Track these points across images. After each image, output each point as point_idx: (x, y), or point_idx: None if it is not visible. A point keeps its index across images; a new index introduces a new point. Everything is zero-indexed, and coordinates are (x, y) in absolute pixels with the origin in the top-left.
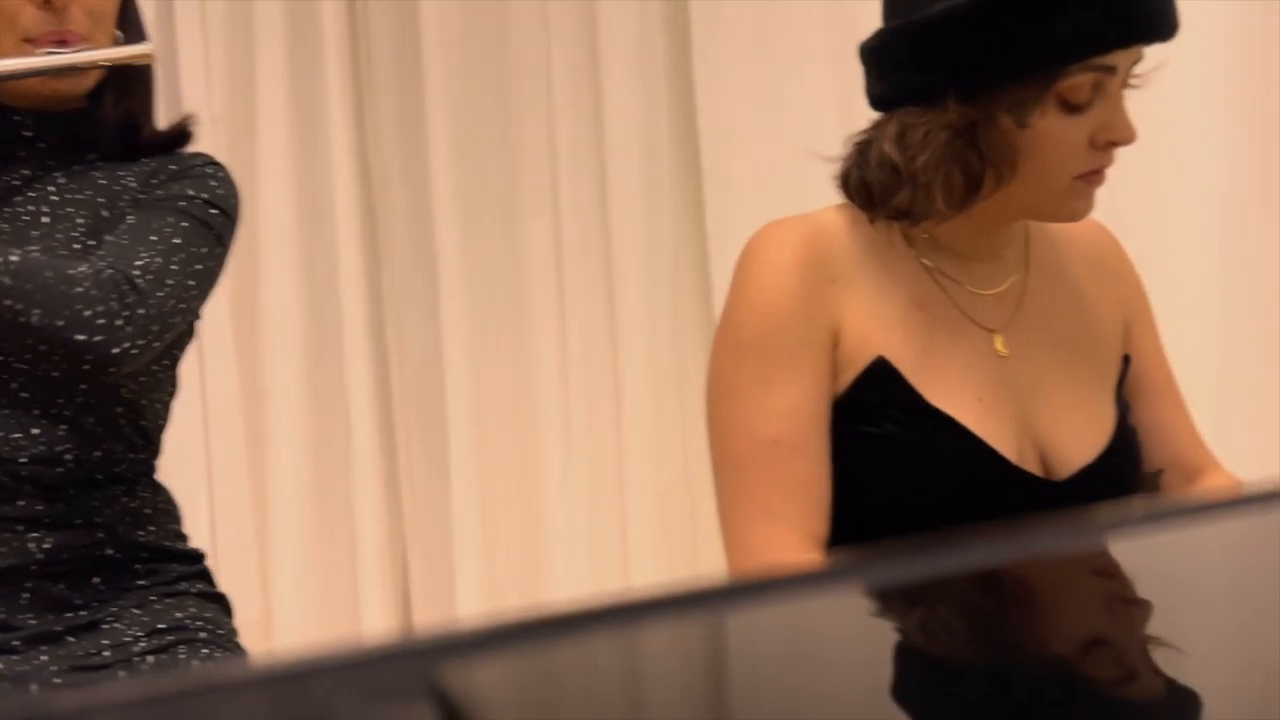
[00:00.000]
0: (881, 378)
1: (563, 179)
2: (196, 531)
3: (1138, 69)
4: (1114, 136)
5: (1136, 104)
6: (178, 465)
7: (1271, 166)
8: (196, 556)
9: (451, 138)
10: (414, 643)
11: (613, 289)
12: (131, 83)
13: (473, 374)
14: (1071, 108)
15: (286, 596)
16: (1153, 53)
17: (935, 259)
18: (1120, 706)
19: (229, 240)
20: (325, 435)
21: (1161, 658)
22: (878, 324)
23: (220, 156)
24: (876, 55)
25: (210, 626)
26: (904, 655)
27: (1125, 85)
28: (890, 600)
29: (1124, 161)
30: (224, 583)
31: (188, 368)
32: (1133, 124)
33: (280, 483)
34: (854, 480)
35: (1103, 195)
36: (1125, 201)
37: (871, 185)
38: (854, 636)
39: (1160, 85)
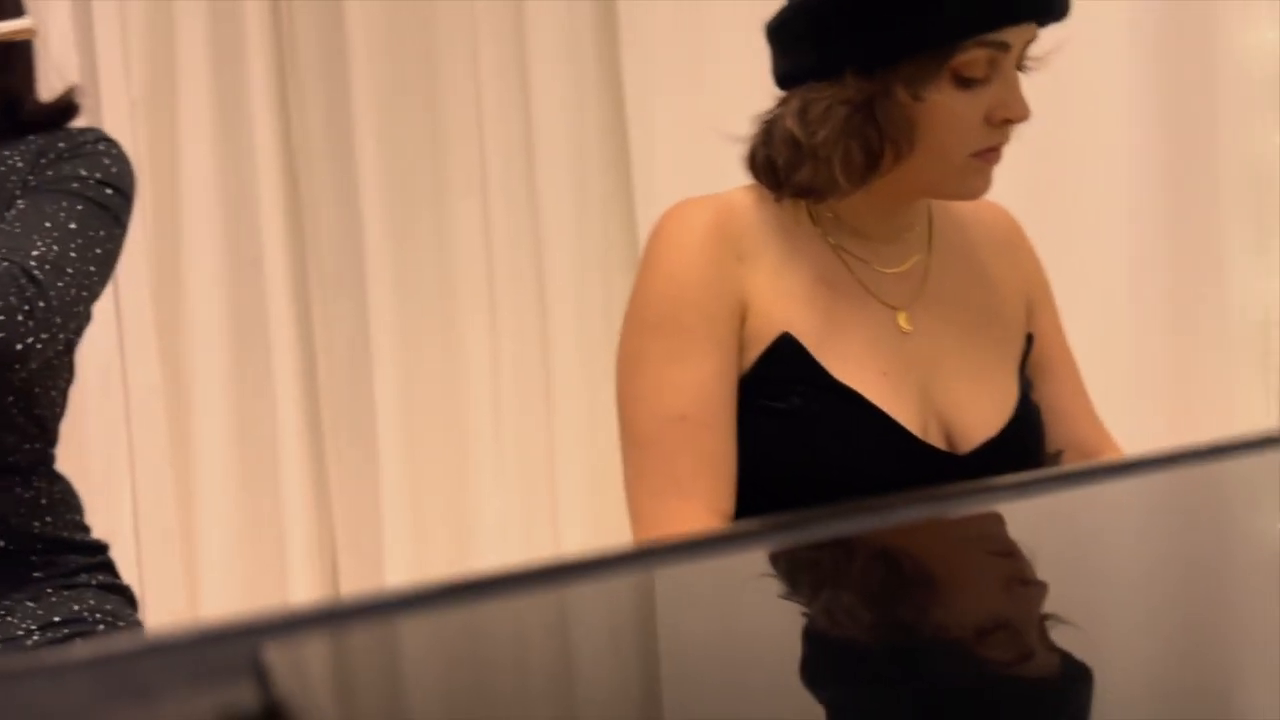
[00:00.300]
0: (787, 353)
1: (491, 164)
2: (119, 525)
3: (1035, 51)
4: (1009, 114)
5: (1047, 94)
6: (99, 457)
7: (1176, 153)
8: (98, 548)
9: (378, 121)
10: (235, 624)
11: (542, 274)
12: (10, 58)
13: (401, 361)
14: (966, 83)
15: (213, 589)
16: (1050, 36)
17: (840, 238)
18: (1011, 671)
19: (126, 220)
20: (251, 425)
21: (1047, 618)
22: (783, 300)
23: (140, 141)
24: (779, 33)
25: (110, 619)
26: (795, 623)
27: (1021, 65)
28: (783, 566)
29: (1036, 149)
30: (148, 576)
31: (108, 357)
32: (1027, 102)
33: (205, 474)
34: (760, 455)
35: (1016, 183)
36: (1037, 190)
37: (776, 162)
38: (735, 601)
39: (1069, 75)
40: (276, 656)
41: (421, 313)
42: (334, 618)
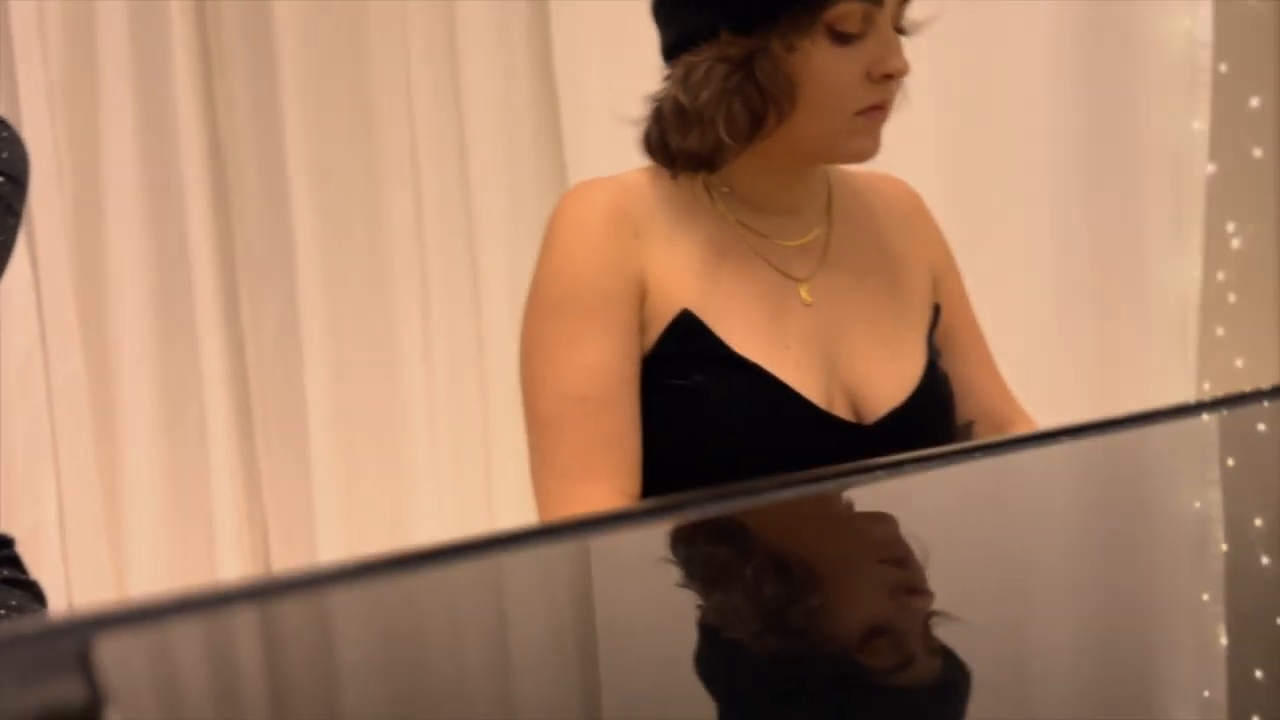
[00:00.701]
0: (687, 330)
1: (422, 153)
2: (43, 518)
3: (917, 17)
4: (887, 68)
5: (971, 81)
6: (21, 450)
7: (1097, 139)
8: (2, 542)
9: (306, 108)
10: (63, 621)
11: (476, 263)
12: None
13: (332, 351)
14: (843, 38)
15: (141, 583)
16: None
17: (739, 212)
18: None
19: (20, 208)
20: (178, 416)
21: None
22: (682, 278)
23: (59, 125)
24: (660, 7)
25: (15, 615)
26: (693, 598)
27: (901, 28)
28: (682, 542)
29: (961, 134)
30: (75, 570)
31: (29, 348)
32: (905, 57)
33: (132, 466)
34: (666, 435)
35: (942, 167)
36: (961, 173)
37: (667, 137)
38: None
39: (992, 62)
40: (104, 652)
41: (353, 302)
42: (154, 613)
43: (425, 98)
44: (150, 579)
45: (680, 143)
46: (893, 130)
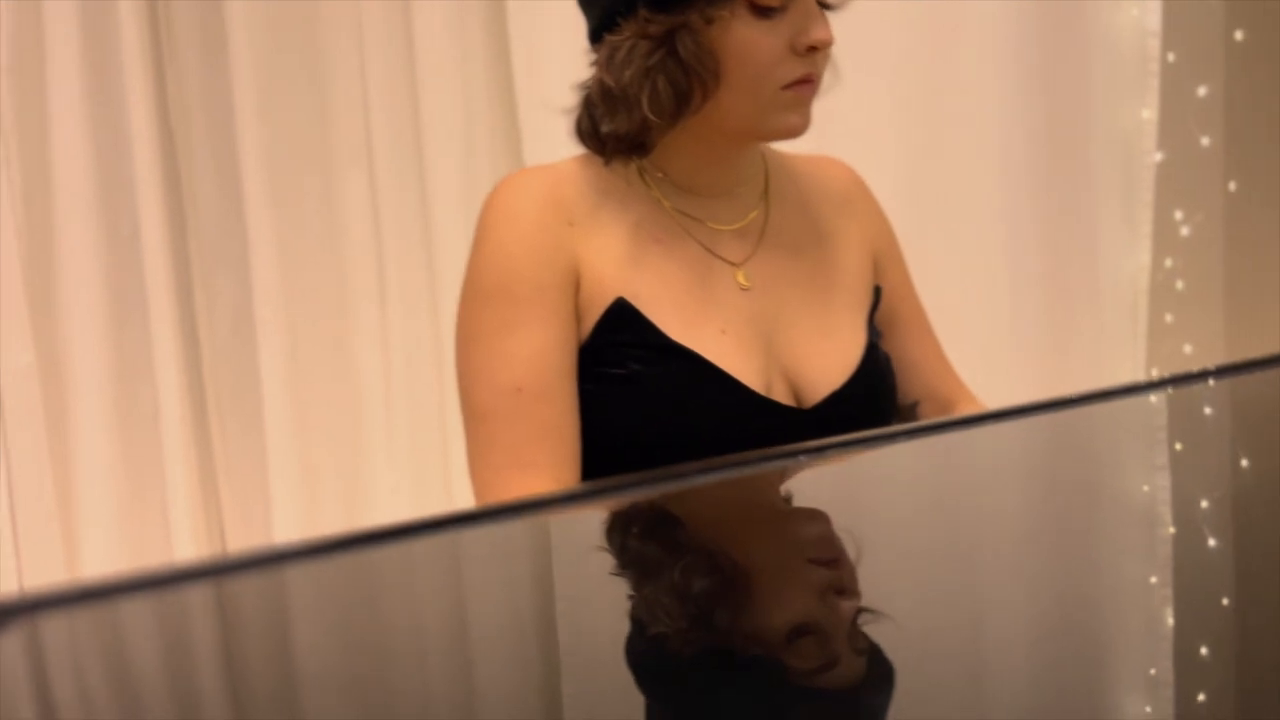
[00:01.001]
0: (623, 318)
1: (377, 134)
2: None
3: None
4: (810, 40)
5: (925, 69)
6: None
7: (1049, 127)
8: None
9: (259, 90)
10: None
11: (431, 244)
12: None
13: (287, 336)
14: (764, 11)
15: (95, 570)
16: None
17: (673, 198)
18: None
19: None
20: (131, 405)
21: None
22: (617, 264)
23: (7, 110)
24: None
25: None
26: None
27: (824, 1)
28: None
29: (915, 123)
30: (28, 562)
31: None
32: (829, 28)
33: (85, 457)
34: (604, 423)
35: (896, 155)
36: (915, 161)
37: (596, 121)
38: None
39: (946, 50)
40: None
41: (308, 285)
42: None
43: (380, 82)
44: (104, 566)
45: (608, 126)
46: (847, 119)
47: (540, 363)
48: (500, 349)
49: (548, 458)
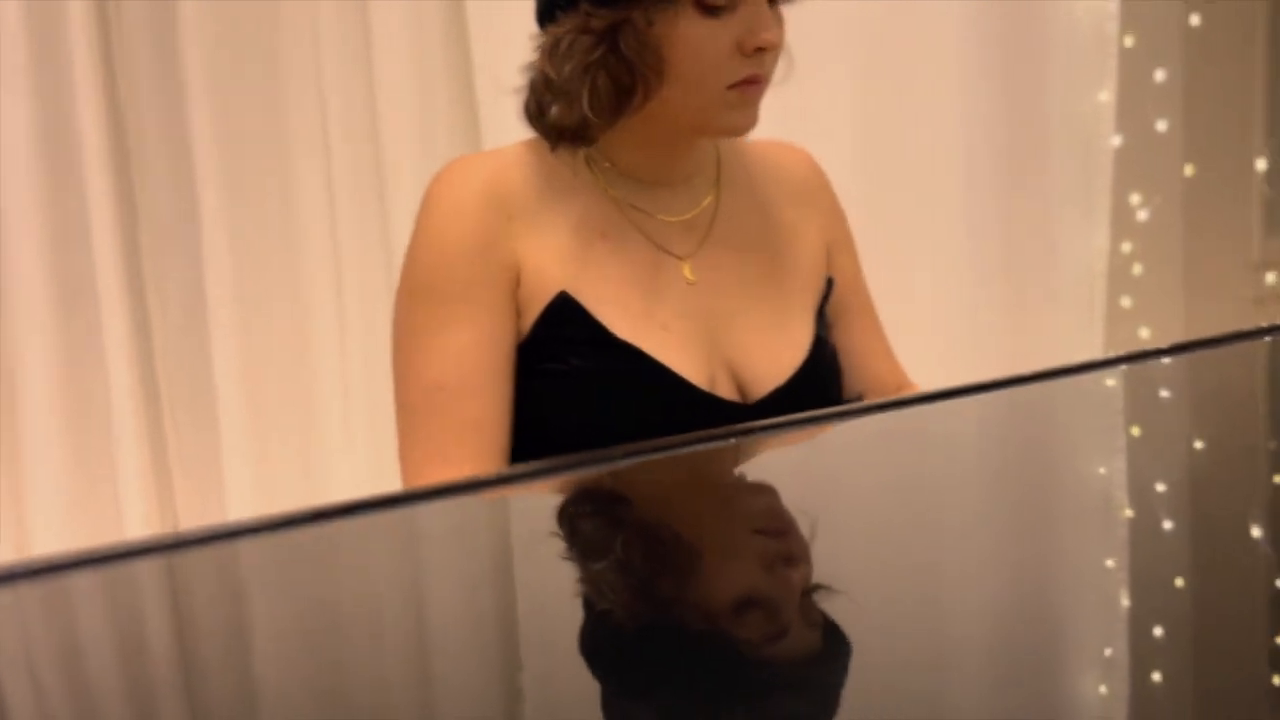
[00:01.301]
0: (564, 313)
1: (332, 119)
2: None
3: None
4: (759, 41)
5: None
6: None
7: (1008, 112)
8: None
9: (211, 73)
10: None
11: (388, 232)
12: None
13: (241, 326)
14: (711, 10)
15: None
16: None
17: (621, 189)
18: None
19: None
20: (82, 397)
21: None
22: (559, 259)
23: None
24: None
25: None
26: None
27: None
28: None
29: (875, 108)
30: None
31: None
32: (777, 29)
33: (33, 451)
34: (544, 419)
35: (855, 139)
36: (875, 146)
37: (543, 107)
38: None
39: (905, 36)
40: None
41: (262, 274)
42: None
43: (335, 65)
44: None
45: (550, 116)
46: (806, 104)
47: (463, 361)
48: (427, 345)
49: (470, 453)
